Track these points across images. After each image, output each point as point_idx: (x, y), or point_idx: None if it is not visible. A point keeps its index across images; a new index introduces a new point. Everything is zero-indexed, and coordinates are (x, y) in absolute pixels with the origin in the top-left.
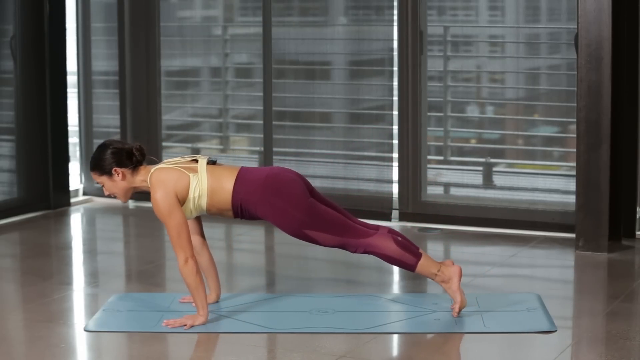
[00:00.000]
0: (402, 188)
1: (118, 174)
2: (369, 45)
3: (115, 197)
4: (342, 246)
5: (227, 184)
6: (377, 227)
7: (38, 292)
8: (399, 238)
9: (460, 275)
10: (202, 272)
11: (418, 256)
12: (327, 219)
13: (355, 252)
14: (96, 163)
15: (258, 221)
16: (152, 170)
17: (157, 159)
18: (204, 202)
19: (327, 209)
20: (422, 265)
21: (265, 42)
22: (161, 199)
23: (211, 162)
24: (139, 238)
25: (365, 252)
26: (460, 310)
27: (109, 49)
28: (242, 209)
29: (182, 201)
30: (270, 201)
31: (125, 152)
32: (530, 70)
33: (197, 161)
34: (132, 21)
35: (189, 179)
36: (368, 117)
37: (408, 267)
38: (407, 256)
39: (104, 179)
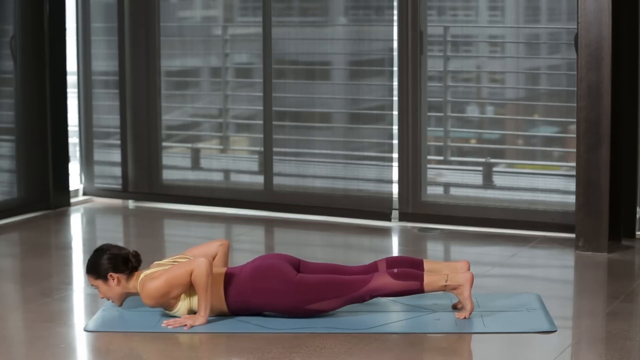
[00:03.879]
0: (402, 188)
1: (113, 279)
2: (369, 45)
3: (111, 300)
4: (349, 303)
5: (217, 288)
6: (375, 266)
7: (38, 292)
8: (395, 270)
9: (472, 283)
10: None
11: (421, 278)
12: (321, 287)
13: (363, 302)
14: (92, 267)
15: (258, 221)
16: (142, 275)
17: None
18: (195, 302)
19: (318, 277)
20: (429, 284)
21: (265, 42)
22: (152, 285)
23: None
24: (139, 238)
25: (372, 297)
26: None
27: (109, 49)
28: (240, 308)
29: (175, 299)
30: (263, 290)
31: (122, 257)
32: (530, 71)
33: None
34: (132, 21)
35: None
36: (368, 117)
37: (416, 292)
38: (411, 283)
39: (99, 283)
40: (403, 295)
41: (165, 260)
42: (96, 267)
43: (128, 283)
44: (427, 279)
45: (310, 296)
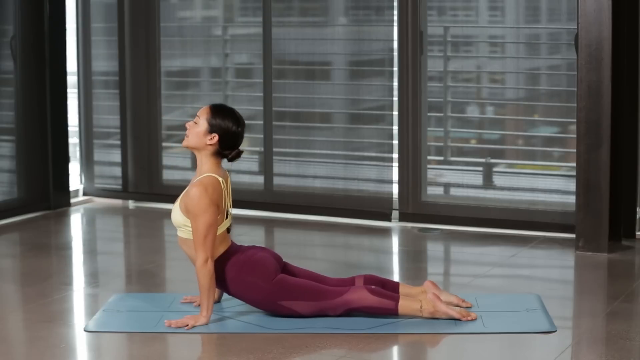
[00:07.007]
0: (402, 188)
1: (212, 139)
2: (369, 45)
3: (185, 136)
4: (322, 311)
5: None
6: (353, 280)
7: (38, 292)
8: (373, 287)
9: (439, 298)
10: None
11: (396, 299)
12: (299, 289)
13: (335, 314)
14: (219, 113)
15: (258, 221)
16: (214, 174)
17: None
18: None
19: (299, 279)
20: (403, 306)
21: (265, 42)
22: (201, 195)
23: (228, 230)
24: (139, 238)
25: (345, 311)
26: (467, 315)
27: (109, 49)
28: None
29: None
30: (242, 278)
31: (234, 141)
32: (531, 71)
33: (226, 217)
34: (132, 21)
35: None
36: (368, 117)
37: (390, 312)
38: (386, 302)
39: (204, 124)
40: (376, 313)
41: (229, 185)
42: (220, 117)
43: (209, 156)
44: (403, 302)
45: (285, 294)
